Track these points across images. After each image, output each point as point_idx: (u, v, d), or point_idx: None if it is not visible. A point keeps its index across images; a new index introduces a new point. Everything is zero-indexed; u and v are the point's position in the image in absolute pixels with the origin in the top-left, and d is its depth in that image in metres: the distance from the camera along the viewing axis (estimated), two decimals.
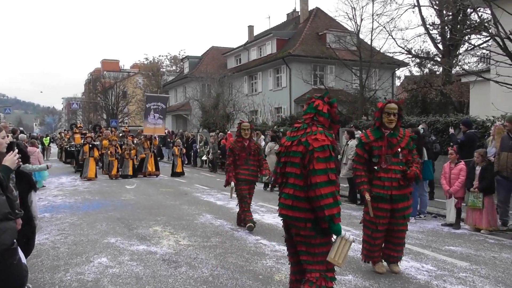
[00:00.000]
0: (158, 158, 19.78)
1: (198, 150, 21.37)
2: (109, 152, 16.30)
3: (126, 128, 21.85)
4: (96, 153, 16.07)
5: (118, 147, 16.76)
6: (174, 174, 16.98)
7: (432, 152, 9.04)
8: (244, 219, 7.31)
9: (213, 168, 19.08)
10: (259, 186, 13.27)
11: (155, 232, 7.22)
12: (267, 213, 8.88)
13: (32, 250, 4.40)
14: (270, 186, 12.42)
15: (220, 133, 20.10)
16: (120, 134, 20.82)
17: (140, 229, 7.42)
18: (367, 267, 5.25)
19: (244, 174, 7.28)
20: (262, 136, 16.18)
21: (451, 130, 10.30)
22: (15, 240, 1.90)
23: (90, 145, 15.94)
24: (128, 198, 11.25)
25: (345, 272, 5.06)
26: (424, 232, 7.20)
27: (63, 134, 27.60)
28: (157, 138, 19.27)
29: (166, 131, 24.20)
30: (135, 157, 16.86)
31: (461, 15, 20.71)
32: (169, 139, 24.32)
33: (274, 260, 5.55)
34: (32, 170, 4.78)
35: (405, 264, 5.35)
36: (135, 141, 19.08)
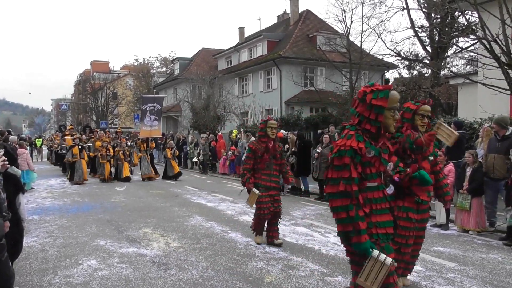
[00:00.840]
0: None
1: (189, 151, 21.32)
2: (99, 154, 15.85)
3: (119, 129, 21.42)
4: (85, 155, 15.71)
5: (111, 149, 16.30)
6: (167, 176, 16.41)
7: None
8: (271, 236, 6.41)
9: (203, 170, 19.05)
10: None
11: (145, 234, 7.19)
12: None
13: (20, 252, 4.35)
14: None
15: (211, 135, 20.08)
16: (112, 136, 20.40)
17: (130, 231, 7.38)
18: None
19: (265, 180, 6.30)
20: (253, 138, 16.18)
21: None
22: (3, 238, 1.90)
23: (80, 147, 15.44)
24: (118, 200, 11.18)
25: (334, 273, 5.09)
26: None
27: (53, 136, 26.87)
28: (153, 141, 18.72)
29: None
30: (129, 159, 16.38)
31: (449, 18, 20.99)
32: (160, 141, 24.05)
33: (265, 261, 5.56)
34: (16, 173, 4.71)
35: None
36: (129, 143, 18.70)
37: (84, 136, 20.10)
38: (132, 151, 18.51)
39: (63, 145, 19.07)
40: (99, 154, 15.91)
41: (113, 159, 16.27)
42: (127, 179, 15.67)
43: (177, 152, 18.18)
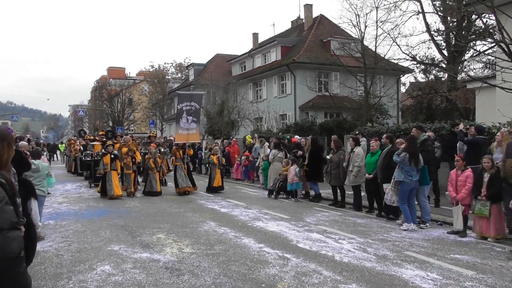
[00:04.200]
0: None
1: (203, 157, 21.35)
2: (122, 163, 13.23)
3: (153, 133, 18.80)
4: (119, 166, 12.90)
5: (139, 155, 13.93)
6: (211, 189, 13.78)
7: (434, 158, 8.98)
8: None
9: None
10: (262, 193, 13.28)
11: (158, 239, 7.20)
12: (271, 220, 8.83)
13: (32, 258, 4.39)
14: (274, 193, 12.38)
15: (225, 140, 20.10)
16: (140, 141, 17.69)
17: (144, 237, 7.40)
18: (370, 275, 5.19)
19: None
20: (267, 143, 16.16)
21: (461, 126, 10.10)
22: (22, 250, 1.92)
23: (112, 155, 12.72)
24: (132, 205, 11.25)
25: (348, 281, 5.01)
26: (429, 240, 7.12)
27: (72, 142, 22.94)
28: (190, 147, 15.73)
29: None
30: (161, 168, 13.96)
31: (465, 21, 20.68)
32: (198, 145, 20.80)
33: (277, 268, 5.50)
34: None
35: (410, 273, 5.29)
36: (161, 149, 16.00)
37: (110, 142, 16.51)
38: (165, 158, 16.05)
39: (88, 152, 16.54)
40: (122, 163, 13.28)
41: (141, 168, 13.89)
42: (158, 194, 13.06)
43: (224, 160, 15.98)
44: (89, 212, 10.22)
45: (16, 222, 1.93)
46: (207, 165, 17.78)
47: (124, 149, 13.96)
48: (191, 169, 16.93)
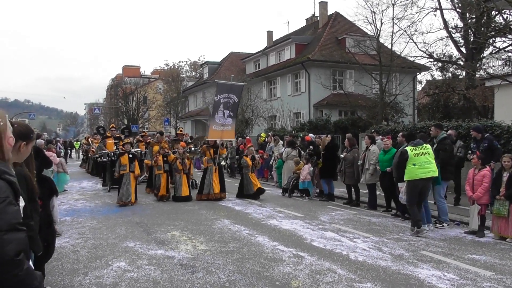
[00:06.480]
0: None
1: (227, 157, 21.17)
2: (153, 162, 12.18)
3: (181, 129, 17.02)
4: (137, 166, 11.48)
5: (172, 155, 12.06)
6: (243, 194, 11.95)
7: (451, 157, 8.81)
8: None
9: (231, 173, 19.09)
10: (276, 192, 13.24)
11: (173, 236, 7.25)
12: (285, 218, 8.81)
13: (52, 254, 4.46)
14: (288, 192, 12.35)
15: (240, 139, 20.13)
16: (169, 139, 15.85)
17: (159, 234, 7.46)
18: (385, 274, 5.14)
19: None
20: (281, 142, 16.13)
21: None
22: (22, 252, 1.91)
23: (130, 155, 11.25)
24: (147, 202, 11.34)
25: (363, 280, 4.96)
26: (446, 240, 7.02)
27: (91, 139, 20.60)
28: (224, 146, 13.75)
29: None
30: (188, 171, 12.24)
31: (485, 17, 20.26)
32: (199, 145, 16.99)
33: (292, 266, 5.48)
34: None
35: (426, 273, 5.22)
36: (192, 148, 14.32)
37: (131, 139, 15.53)
38: (195, 158, 14.61)
39: (103, 151, 14.48)
40: (153, 162, 12.24)
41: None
42: (187, 199, 11.50)
43: (261, 161, 14.26)
44: (105, 209, 10.34)
45: (18, 223, 1.93)
46: (237, 167, 16.69)
47: (156, 147, 13.07)
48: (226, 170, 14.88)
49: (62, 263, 5.69)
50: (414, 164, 7.45)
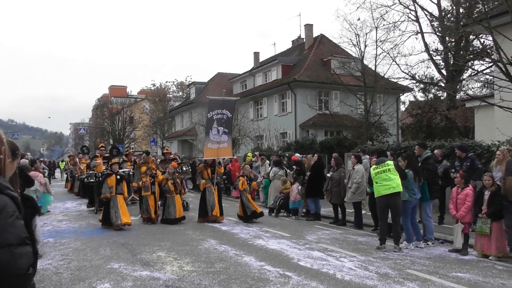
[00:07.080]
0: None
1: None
2: (140, 183, 11.64)
3: (167, 149, 16.14)
4: (125, 188, 11.00)
5: (160, 175, 11.65)
6: (247, 217, 11.17)
7: (435, 176, 8.97)
8: None
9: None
10: (263, 211, 13.21)
11: (158, 257, 7.17)
12: (272, 238, 8.80)
13: (34, 275, 4.38)
14: (275, 212, 12.35)
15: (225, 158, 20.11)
16: (158, 160, 15.07)
17: (144, 255, 7.37)
18: None
19: None
20: (267, 161, 16.19)
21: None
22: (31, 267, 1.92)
23: (118, 176, 10.61)
24: (132, 223, 11.19)
25: None
26: (431, 258, 7.09)
27: (78, 160, 18.73)
28: (222, 164, 13.69)
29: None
30: (180, 191, 11.75)
31: (463, 41, 20.98)
32: (183, 164, 15.94)
33: (279, 286, 5.47)
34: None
35: None
36: (183, 168, 13.89)
37: (118, 159, 13.69)
38: (185, 178, 14.11)
39: (91, 172, 14.02)
40: (140, 183, 11.67)
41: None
42: (177, 221, 10.96)
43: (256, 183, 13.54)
44: (89, 230, 10.18)
45: (26, 237, 1.94)
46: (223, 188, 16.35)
47: (143, 168, 12.59)
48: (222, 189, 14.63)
49: (44, 286, 5.57)
50: (376, 182, 7.72)
